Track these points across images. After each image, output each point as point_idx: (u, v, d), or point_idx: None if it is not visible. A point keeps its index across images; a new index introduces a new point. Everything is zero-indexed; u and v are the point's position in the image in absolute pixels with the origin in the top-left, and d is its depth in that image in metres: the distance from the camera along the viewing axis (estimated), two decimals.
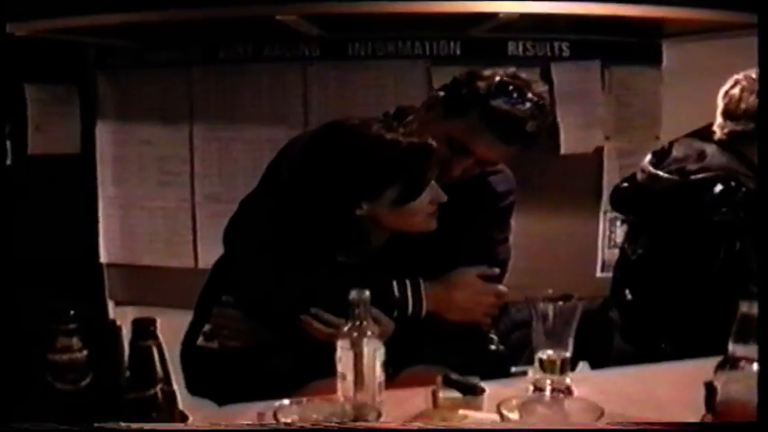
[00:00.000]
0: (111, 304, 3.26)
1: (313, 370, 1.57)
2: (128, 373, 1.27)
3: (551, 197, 3.06)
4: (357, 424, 1.27)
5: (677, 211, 2.11)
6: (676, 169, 2.15)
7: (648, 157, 2.29)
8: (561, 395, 1.52)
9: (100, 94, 3.18)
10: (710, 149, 2.15)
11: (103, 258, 3.25)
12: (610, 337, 2.34)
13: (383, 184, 1.80)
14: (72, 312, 1.35)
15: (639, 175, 2.24)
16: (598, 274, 3.18)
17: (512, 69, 1.99)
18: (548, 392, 1.52)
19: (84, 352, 1.35)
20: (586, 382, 1.60)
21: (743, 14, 2.65)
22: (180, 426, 1.30)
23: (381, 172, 1.80)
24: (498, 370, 1.95)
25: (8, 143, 2.87)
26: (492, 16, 2.62)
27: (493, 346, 2.11)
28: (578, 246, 3.18)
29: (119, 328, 3.33)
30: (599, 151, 3.15)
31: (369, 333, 1.44)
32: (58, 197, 3.02)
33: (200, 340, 1.98)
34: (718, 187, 2.04)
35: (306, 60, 3.06)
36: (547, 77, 3.05)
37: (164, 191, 3.18)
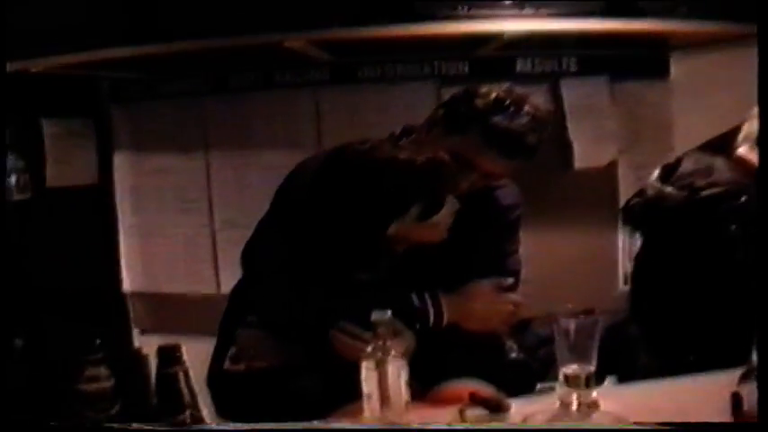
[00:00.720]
0: (135, 332, 3.28)
1: (343, 392, 1.58)
2: (155, 400, 1.29)
3: (569, 212, 3.07)
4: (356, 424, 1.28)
5: (688, 227, 2.12)
6: (685, 185, 2.16)
7: (657, 171, 2.30)
8: (588, 409, 1.53)
9: (115, 125, 3.22)
10: (719, 163, 2.15)
11: (127, 287, 3.28)
12: (634, 351, 2.35)
13: (406, 203, 1.83)
14: (98, 342, 1.37)
15: (649, 191, 2.25)
16: (620, 287, 3.19)
17: (507, 84, 2.01)
18: (574, 407, 1.53)
19: (112, 381, 1.37)
20: (613, 397, 1.60)
21: (746, 26, 2.67)
22: (187, 427, 1.31)
23: (401, 192, 1.82)
24: (521, 377, 1.97)
25: (28, 176, 2.93)
26: (498, 36, 2.64)
27: (513, 354, 2.13)
28: (599, 260, 3.19)
29: (145, 357, 3.37)
30: (614, 165, 3.16)
31: (393, 352, 1.45)
32: (80, 228, 3.07)
33: (227, 364, 2.00)
34: (727, 203, 2.05)
35: (316, 85, 3.09)
36: (556, 93, 3.09)
37: (183, 218, 3.21)
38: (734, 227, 2.03)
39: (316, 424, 1.34)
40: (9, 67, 2.47)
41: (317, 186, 1.92)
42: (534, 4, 2.57)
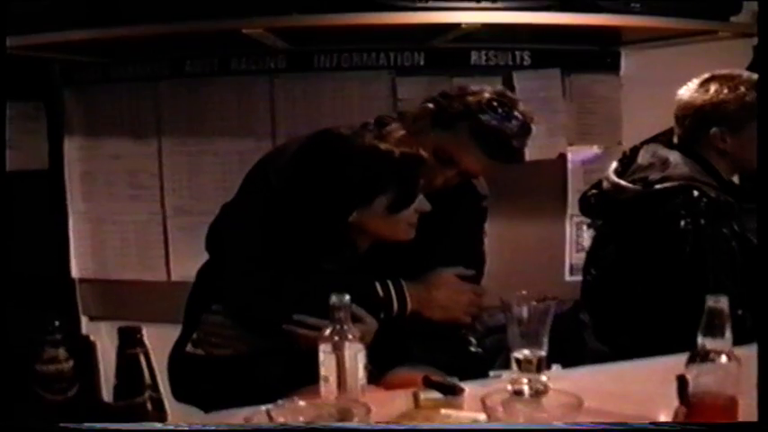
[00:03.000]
0: (84, 320, 3.24)
1: (302, 376, 1.60)
2: (116, 381, 1.29)
3: (519, 203, 3.11)
4: (355, 425, 1.30)
5: (641, 219, 2.18)
6: (640, 178, 2.21)
7: (614, 164, 2.35)
8: (538, 393, 1.57)
9: (67, 109, 3.17)
10: (674, 157, 2.21)
11: (75, 273, 3.24)
12: (581, 338, 2.40)
13: (375, 193, 1.86)
14: (57, 323, 1.36)
15: (605, 184, 2.30)
16: (566, 277, 3.25)
17: (500, 87, 2.09)
18: (525, 391, 1.57)
19: (71, 362, 1.36)
20: (563, 381, 1.64)
21: (697, 22, 2.75)
22: (180, 426, 1.32)
23: (375, 181, 1.86)
24: (478, 370, 2.01)
25: None
26: (454, 27, 2.67)
27: (472, 348, 2.18)
28: (547, 250, 3.25)
29: (93, 344, 3.34)
30: (563, 157, 3.22)
31: (350, 336, 1.48)
32: (28, 213, 3.00)
33: (189, 347, 2.01)
34: (680, 197, 2.10)
35: (272, 73, 3.09)
36: (509, 86, 3.13)
37: (134, 205, 3.17)
38: (684, 221, 2.09)
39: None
40: None
41: (294, 168, 1.93)
42: None
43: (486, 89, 2.05)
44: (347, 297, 1.50)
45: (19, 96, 3.04)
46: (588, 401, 1.49)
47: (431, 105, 2.06)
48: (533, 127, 2.09)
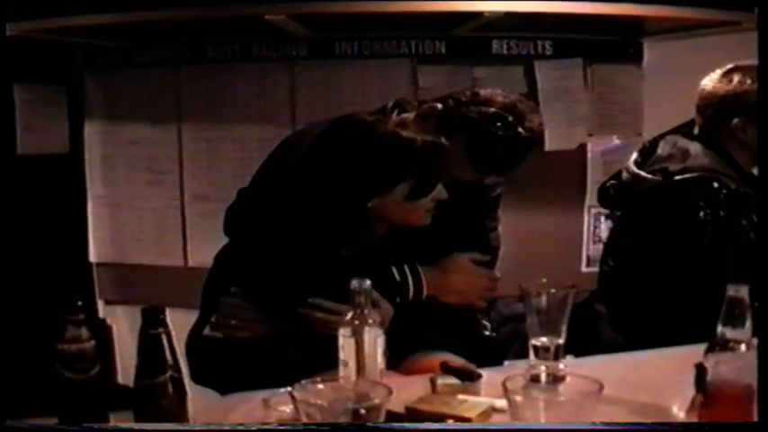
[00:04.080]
0: (101, 303, 3.27)
1: (320, 360, 1.61)
2: (138, 360, 1.30)
3: (537, 193, 3.10)
4: (355, 425, 1.30)
5: (661, 210, 2.17)
6: (659, 169, 2.20)
7: (634, 155, 2.34)
8: (555, 380, 1.57)
9: (88, 94, 3.19)
10: (694, 148, 2.19)
11: (93, 258, 3.27)
12: (597, 329, 2.40)
13: (396, 180, 1.86)
14: (80, 303, 1.37)
15: (624, 175, 2.29)
16: (583, 268, 3.24)
17: (513, 98, 2.03)
18: (543, 378, 1.57)
19: (93, 342, 1.37)
20: (580, 369, 1.63)
21: (722, 12, 2.72)
22: (181, 426, 1.33)
23: (396, 168, 1.85)
24: (492, 355, 2.01)
25: None
26: (476, 15, 2.66)
27: (486, 332, 2.18)
28: (564, 241, 3.25)
29: (109, 328, 3.36)
30: (583, 147, 3.21)
31: (370, 321, 1.48)
32: (48, 197, 3.03)
33: (207, 330, 2.01)
34: (699, 188, 2.09)
35: (293, 60, 3.10)
36: (530, 75, 3.12)
37: (153, 190, 3.20)
38: (704, 212, 2.08)
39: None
40: None
41: (316, 153, 1.93)
42: None
43: (498, 98, 2.01)
44: (368, 282, 1.50)
45: (40, 80, 3.07)
46: (605, 389, 1.50)
47: (439, 106, 2.04)
48: (546, 127, 2.06)
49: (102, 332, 3.17)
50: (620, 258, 2.32)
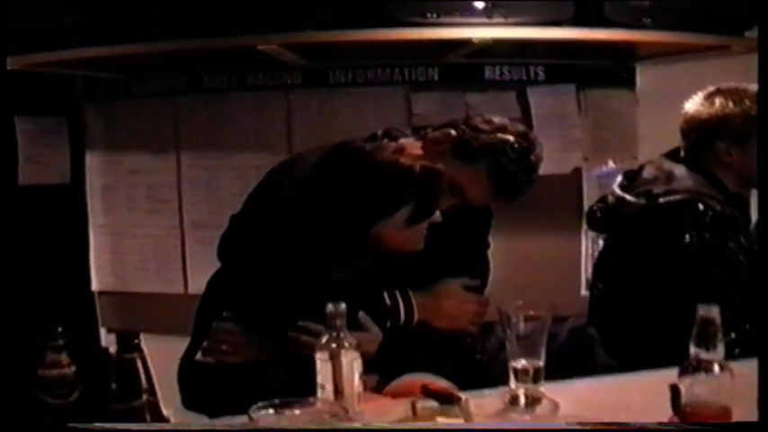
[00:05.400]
0: (103, 331, 3.29)
1: (309, 384, 1.62)
2: (114, 385, 1.32)
3: (535, 217, 3.11)
4: (355, 425, 1.32)
5: (646, 233, 2.18)
6: (644, 192, 2.22)
7: (619, 178, 2.36)
8: (534, 403, 1.58)
9: (88, 125, 3.23)
10: (679, 171, 2.21)
11: (95, 286, 3.29)
12: (592, 352, 2.40)
13: (395, 207, 1.88)
14: (60, 329, 1.40)
15: (610, 198, 2.31)
16: (583, 292, 3.24)
17: (522, 128, 2.11)
18: (522, 401, 1.58)
19: (73, 368, 1.40)
20: (561, 391, 1.65)
21: (710, 37, 2.75)
22: (181, 426, 1.35)
23: (396, 194, 1.88)
24: (483, 378, 2.02)
25: None
26: (466, 42, 2.69)
27: (478, 356, 2.19)
28: (563, 265, 3.24)
29: (111, 355, 3.36)
30: (578, 172, 3.22)
31: (346, 344, 1.50)
32: (50, 227, 3.07)
33: (199, 355, 2.03)
34: (684, 211, 2.10)
35: (288, 88, 3.13)
36: (523, 101, 3.15)
37: (153, 218, 3.23)
38: (689, 235, 2.09)
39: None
40: None
41: (313, 177, 1.95)
42: (502, 13, 2.62)
43: (511, 127, 2.08)
44: (343, 305, 1.52)
45: (42, 111, 3.12)
46: (585, 412, 1.52)
47: (453, 132, 2.07)
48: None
49: (104, 360, 3.18)
50: (609, 282, 2.33)
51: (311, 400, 1.34)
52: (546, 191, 3.03)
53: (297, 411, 1.34)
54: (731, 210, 2.12)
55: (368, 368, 1.82)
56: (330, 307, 1.51)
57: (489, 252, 2.27)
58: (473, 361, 2.16)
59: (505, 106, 3.13)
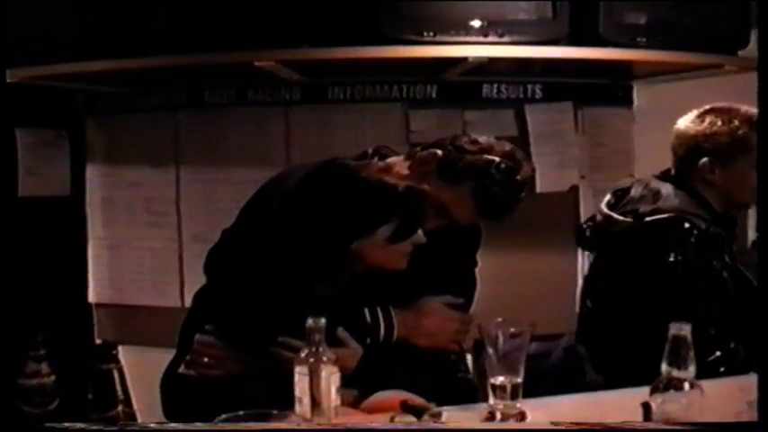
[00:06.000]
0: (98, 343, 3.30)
1: (288, 398, 1.63)
2: (90, 395, 1.33)
3: (531, 235, 3.12)
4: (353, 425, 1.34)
5: (632, 251, 2.19)
6: (630, 210, 2.23)
7: (608, 197, 2.37)
8: (513, 420, 1.59)
9: (89, 138, 3.27)
10: (666, 189, 2.22)
11: (92, 298, 3.31)
12: (582, 370, 2.40)
13: (377, 225, 1.90)
14: (41, 339, 1.42)
15: (598, 217, 2.32)
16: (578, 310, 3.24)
17: (509, 148, 2.10)
18: (498, 417, 1.59)
19: (53, 377, 1.42)
20: (540, 408, 1.66)
21: (703, 56, 2.76)
22: (180, 426, 1.36)
23: (378, 213, 1.90)
24: (466, 396, 2.03)
25: None
26: (461, 60, 2.71)
27: (461, 374, 2.19)
28: (559, 282, 3.24)
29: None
30: (575, 190, 3.23)
31: (324, 359, 1.51)
32: (49, 239, 3.09)
33: (182, 368, 2.05)
34: (669, 230, 2.11)
35: (287, 104, 3.16)
36: (521, 118, 3.16)
37: (151, 231, 3.25)
38: (674, 254, 2.09)
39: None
40: None
41: (299, 193, 1.97)
42: (498, 31, 2.64)
43: (498, 147, 2.08)
44: (323, 320, 1.54)
45: (43, 124, 3.15)
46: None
47: (439, 152, 2.08)
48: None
49: (100, 373, 3.20)
50: (596, 299, 2.33)
51: (275, 412, 1.33)
52: (542, 208, 3.07)
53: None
54: (716, 228, 2.12)
55: (347, 383, 1.86)
56: (310, 321, 1.53)
57: (476, 271, 2.27)
58: (455, 378, 2.16)
59: (503, 124, 3.16)
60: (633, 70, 3.12)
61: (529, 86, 3.18)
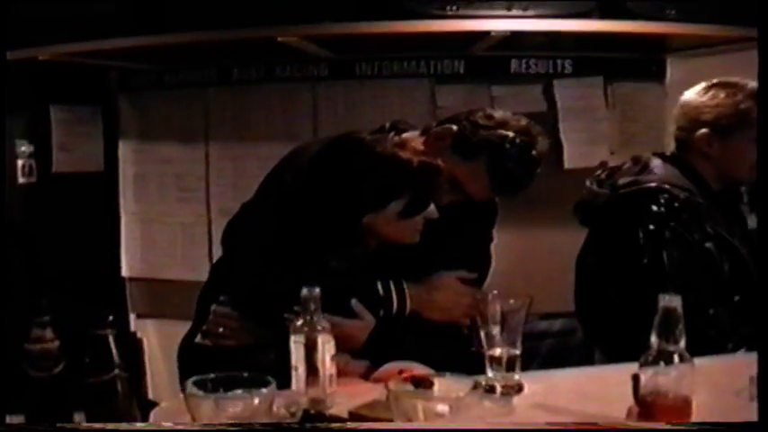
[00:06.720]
0: (132, 317, 3.39)
1: None
2: (87, 359, 1.37)
3: (556, 212, 3.08)
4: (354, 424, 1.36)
5: (609, 224, 2.18)
6: (611, 184, 2.21)
7: (598, 171, 2.35)
8: (511, 391, 1.59)
9: (122, 114, 3.34)
10: (654, 162, 2.20)
11: (125, 272, 3.39)
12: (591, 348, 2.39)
13: (390, 199, 1.90)
14: (44, 304, 1.46)
15: (583, 191, 2.30)
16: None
17: (525, 122, 2.07)
18: (498, 389, 1.59)
19: (57, 342, 1.46)
20: (540, 380, 1.66)
21: (743, 29, 2.69)
22: (180, 425, 1.39)
23: (392, 187, 1.90)
24: (477, 370, 2.03)
25: (34, 162, 3.05)
26: (485, 35, 2.69)
27: (473, 348, 2.19)
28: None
29: (140, 341, 3.46)
30: (604, 165, 3.18)
31: (320, 328, 1.53)
32: (83, 213, 3.16)
33: (198, 338, 2.09)
34: (642, 201, 2.09)
35: (315, 80, 3.18)
36: (550, 94, 3.13)
37: (182, 206, 3.31)
38: (651, 225, 2.06)
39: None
40: (17, 54, 2.60)
41: (312, 169, 1.98)
42: (522, 5, 2.62)
43: (513, 122, 2.05)
44: (317, 290, 1.55)
45: (76, 101, 3.22)
46: (562, 401, 1.52)
47: (454, 128, 2.06)
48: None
49: (134, 345, 3.28)
50: (586, 275, 2.31)
51: (245, 375, 1.35)
52: (569, 184, 3.03)
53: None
54: (697, 199, 2.09)
55: (359, 355, 1.88)
56: (305, 291, 1.54)
57: (492, 246, 2.26)
58: (467, 353, 2.16)
59: (531, 99, 3.13)
60: (666, 44, 3.06)
61: (558, 61, 3.15)
